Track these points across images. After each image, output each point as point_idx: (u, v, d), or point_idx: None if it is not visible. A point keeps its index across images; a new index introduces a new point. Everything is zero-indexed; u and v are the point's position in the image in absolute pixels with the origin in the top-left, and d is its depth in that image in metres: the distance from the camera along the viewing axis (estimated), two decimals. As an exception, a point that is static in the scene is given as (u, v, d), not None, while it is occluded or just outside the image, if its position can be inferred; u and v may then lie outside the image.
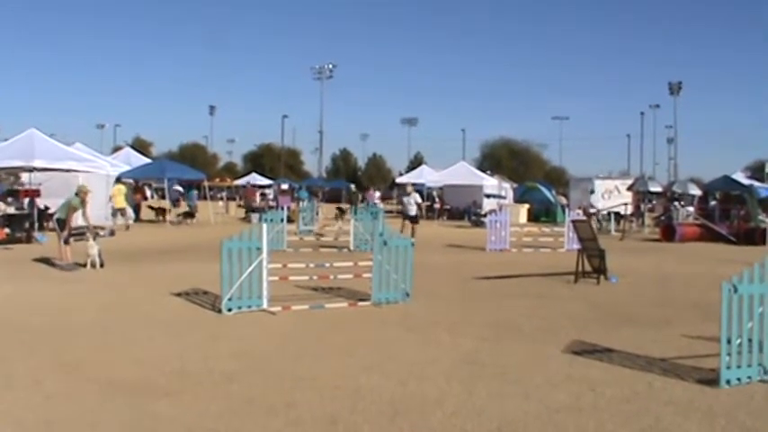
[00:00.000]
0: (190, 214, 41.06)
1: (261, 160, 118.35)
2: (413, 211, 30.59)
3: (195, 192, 48.94)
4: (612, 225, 40.88)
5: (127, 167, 41.08)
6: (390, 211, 54.77)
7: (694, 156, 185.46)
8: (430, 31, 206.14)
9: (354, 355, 10.25)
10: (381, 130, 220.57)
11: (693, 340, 11.33)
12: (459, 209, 50.82)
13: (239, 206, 56.61)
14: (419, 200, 32.34)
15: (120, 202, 35.16)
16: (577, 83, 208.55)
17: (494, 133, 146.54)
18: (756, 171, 67.65)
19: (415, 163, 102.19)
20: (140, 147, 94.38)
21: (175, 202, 44.97)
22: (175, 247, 26.20)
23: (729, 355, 8.86)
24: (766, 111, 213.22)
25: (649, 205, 54.58)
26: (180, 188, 46.08)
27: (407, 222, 30.03)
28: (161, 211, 41.31)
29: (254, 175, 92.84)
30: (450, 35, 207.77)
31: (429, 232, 35.13)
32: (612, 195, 52.11)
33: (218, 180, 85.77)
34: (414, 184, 38.48)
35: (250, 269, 13.16)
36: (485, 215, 39.14)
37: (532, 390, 8.65)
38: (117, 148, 78.77)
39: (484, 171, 64.15)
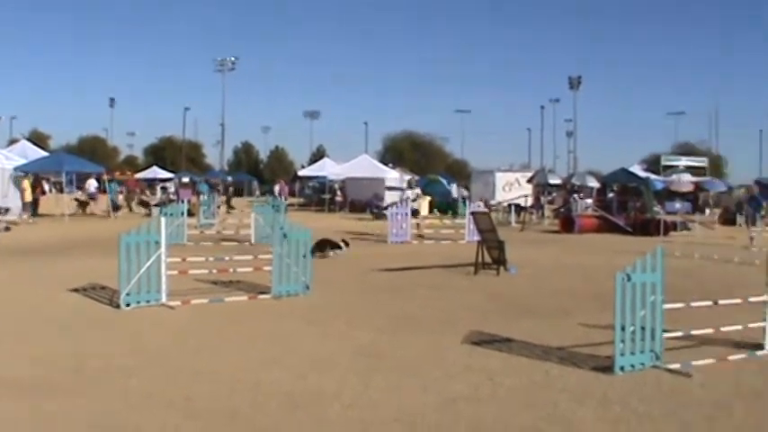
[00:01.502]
0: (85, 203, 40.60)
1: (162, 153, 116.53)
2: (415, 204, 31.47)
3: (116, 185, 48.03)
4: (513, 217, 41.34)
5: (23, 161, 40.11)
6: (292, 205, 54.72)
7: (593, 149, 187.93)
8: (333, 23, 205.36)
9: (254, 349, 10.21)
10: (284, 123, 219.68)
11: (590, 329, 11.53)
12: (361, 201, 50.83)
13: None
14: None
15: (29, 195, 34.51)
16: (480, 77, 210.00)
17: (396, 126, 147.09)
18: (652, 164, 68.99)
19: (318, 156, 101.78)
20: (38, 140, 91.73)
21: (92, 196, 44.02)
22: (74, 242, 25.66)
23: (623, 342, 9.05)
24: (663, 105, 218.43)
25: (549, 197, 55.32)
26: (95, 182, 45.11)
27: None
28: (83, 205, 40.68)
29: (155, 168, 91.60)
30: (352, 28, 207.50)
31: (330, 225, 35.07)
32: (513, 188, 52.71)
33: (118, 174, 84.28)
34: (315, 177, 38.56)
35: (148, 263, 12.99)
36: (386, 207, 39.24)
37: (431, 381, 8.71)
38: (12, 141, 76.79)
39: (386, 164, 64.21)
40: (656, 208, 41.24)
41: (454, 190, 57.12)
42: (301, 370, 9.09)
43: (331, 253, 21.37)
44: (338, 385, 8.46)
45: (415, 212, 31.87)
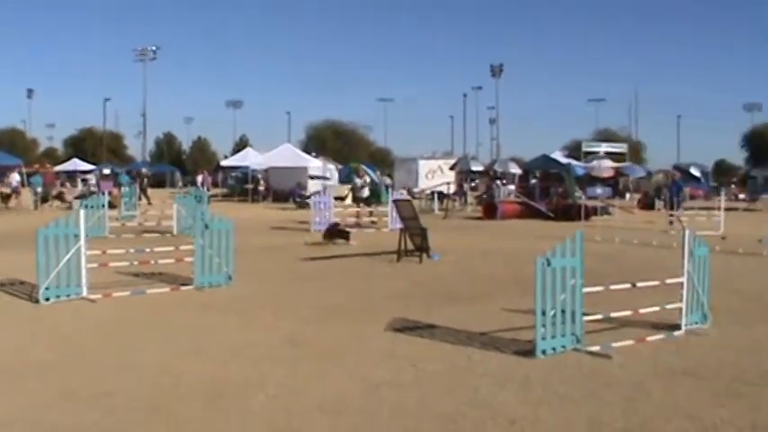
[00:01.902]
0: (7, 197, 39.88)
1: (83, 145, 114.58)
2: (365, 193, 32.44)
3: (39, 178, 47.06)
4: (436, 204, 41.51)
5: (-64, 154, 39.26)
6: (215, 195, 54.30)
7: (516, 136, 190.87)
8: (254, 12, 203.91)
9: (176, 341, 10.11)
10: (206, 113, 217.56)
11: (512, 313, 11.64)
12: (284, 191, 50.61)
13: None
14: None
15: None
16: (402, 65, 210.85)
17: (319, 115, 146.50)
18: (574, 150, 70.06)
19: (241, 146, 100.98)
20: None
21: (15, 190, 43.10)
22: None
23: (544, 326, 9.16)
24: (584, 92, 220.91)
25: (472, 184, 55.72)
26: (17, 176, 44.16)
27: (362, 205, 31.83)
28: (6, 198, 39.95)
29: (75, 160, 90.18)
30: (274, 17, 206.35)
31: (253, 215, 34.98)
32: (436, 175, 53.05)
33: (37, 166, 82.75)
34: (238, 167, 38.32)
35: (68, 256, 12.78)
36: (309, 196, 39.15)
37: (354, 368, 8.73)
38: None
39: (309, 153, 64.07)
40: (578, 193, 41.89)
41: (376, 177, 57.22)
42: (224, 361, 9.04)
43: (340, 240, 22.55)
44: (262, 375, 8.43)
45: (366, 200, 32.11)
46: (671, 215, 30.75)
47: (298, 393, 7.75)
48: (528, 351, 9.25)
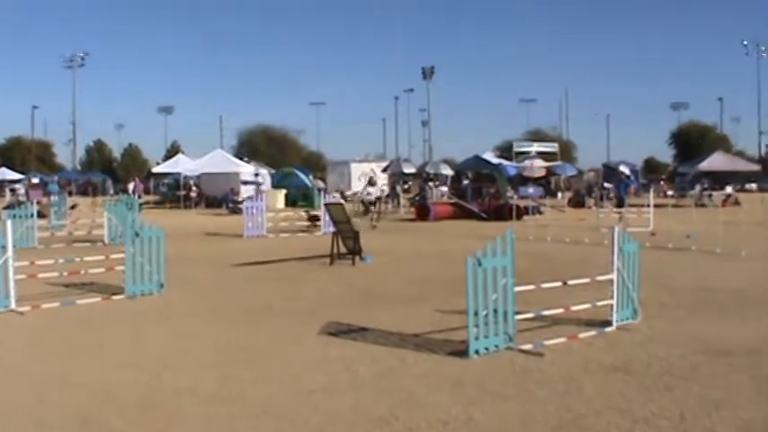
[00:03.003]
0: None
1: (10, 154, 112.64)
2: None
3: None
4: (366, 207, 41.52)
5: None
6: (147, 203, 53.78)
7: (448, 137, 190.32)
8: (183, 16, 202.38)
9: (107, 351, 9.98)
10: (137, 120, 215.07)
11: (445, 314, 11.67)
12: (216, 197, 50.25)
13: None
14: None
15: None
16: (333, 68, 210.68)
17: (251, 120, 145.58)
18: (505, 150, 70.57)
19: (172, 152, 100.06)
20: None
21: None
22: None
23: (477, 326, 9.20)
24: (515, 93, 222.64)
25: (405, 186, 55.91)
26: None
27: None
28: None
29: (3, 169, 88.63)
30: (203, 22, 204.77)
31: (185, 221, 34.74)
32: (369, 178, 52.99)
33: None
34: (170, 174, 38.07)
35: (-6, 268, 12.55)
36: (241, 202, 38.96)
37: (288, 373, 8.70)
38: None
39: (241, 158, 63.77)
40: (510, 193, 42.14)
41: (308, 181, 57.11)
42: (156, 369, 8.92)
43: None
44: (195, 381, 8.37)
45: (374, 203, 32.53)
46: (619, 212, 31.22)
47: (231, 400, 7.69)
48: (461, 351, 9.28)
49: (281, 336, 10.70)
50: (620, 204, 32.68)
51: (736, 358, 9.13)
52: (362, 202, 40.44)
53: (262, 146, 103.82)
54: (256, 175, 53.12)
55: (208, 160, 55.51)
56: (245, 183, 51.58)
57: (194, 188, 54.49)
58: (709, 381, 8.17)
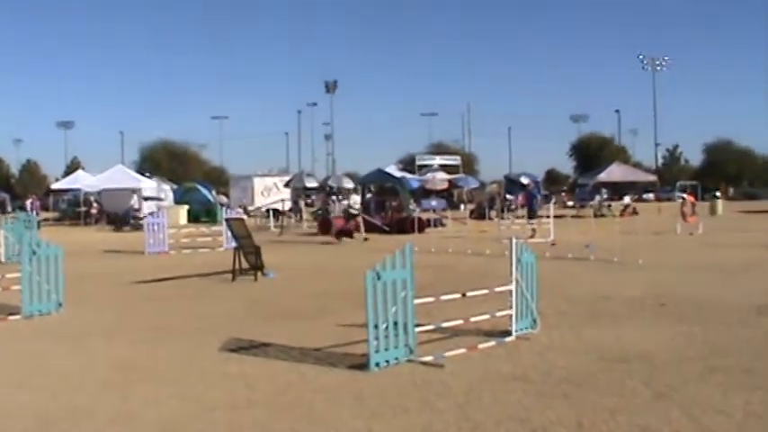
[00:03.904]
0: None
1: None
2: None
3: None
4: (272, 221, 41.39)
5: None
6: (47, 220, 52.79)
7: (352, 151, 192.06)
8: (83, 27, 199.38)
9: (3, 372, 9.75)
10: (35, 135, 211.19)
11: (346, 328, 11.67)
12: (117, 213, 49.49)
13: None
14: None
15: None
16: (236, 83, 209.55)
17: (154, 135, 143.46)
18: (408, 164, 70.81)
19: (72, 168, 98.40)
20: None
21: None
22: None
23: (377, 339, 9.20)
24: (418, 107, 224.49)
25: (309, 200, 55.87)
26: None
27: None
28: None
29: None
30: (102, 32, 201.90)
31: (85, 238, 34.19)
32: (272, 192, 52.92)
33: None
34: (70, 190, 37.32)
35: None
36: (143, 218, 38.51)
37: (188, 390, 8.60)
38: None
39: (143, 174, 62.95)
40: (413, 206, 42.34)
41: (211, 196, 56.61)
42: (54, 390, 8.75)
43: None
44: (94, 401, 8.22)
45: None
46: (531, 224, 31.68)
47: (131, 419, 7.58)
48: (362, 365, 9.29)
49: (181, 353, 10.56)
50: (531, 216, 33.11)
51: (631, 365, 9.33)
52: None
53: (164, 161, 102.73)
54: (161, 199, 52.52)
55: (109, 176, 54.59)
56: (147, 199, 50.97)
57: (95, 204, 53.68)
58: (606, 387, 8.32)
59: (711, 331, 11.24)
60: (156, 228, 28.18)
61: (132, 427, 7.34)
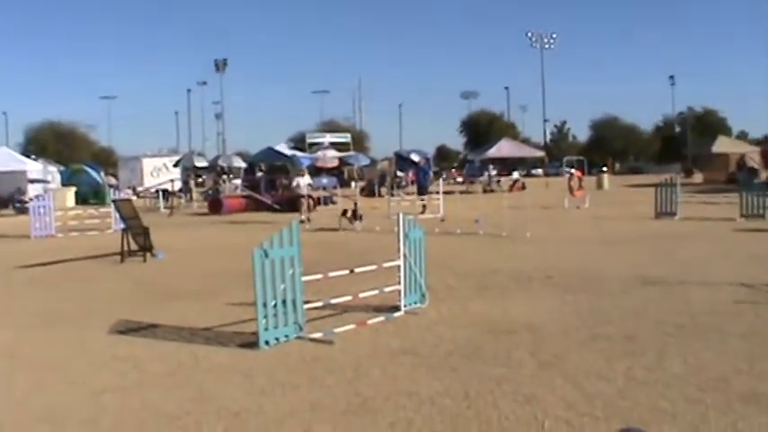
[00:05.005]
0: None
1: None
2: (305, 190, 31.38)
3: None
4: (161, 202, 40.94)
5: None
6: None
7: (243, 130, 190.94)
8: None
9: None
10: None
11: (236, 307, 11.65)
12: (2, 197, 48.29)
13: None
14: (309, 181, 33.53)
15: None
16: (124, 61, 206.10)
17: (39, 116, 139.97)
18: (299, 142, 70.81)
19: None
20: None
21: None
22: None
23: (266, 317, 9.22)
24: (309, 85, 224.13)
25: (199, 180, 55.39)
26: None
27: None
28: None
29: None
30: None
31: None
32: (161, 173, 52.35)
33: None
34: None
35: None
36: (29, 201, 37.69)
37: (76, 375, 8.50)
38: None
39: (28, 156, 61.49)
40: (309, 181, 42.33)
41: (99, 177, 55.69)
42: (-66, 379, 8.55)
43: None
44: (-24, 390, 8.04)
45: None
46: (421, 200, 31.94)
47: (17, 406, 7.46)
48: (252, 343, 9.30)
49: (68, 337, 10.41)
50: (421, 192, 33.43)
51: (518, 336, 9.53)
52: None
53: (50, 143, 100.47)
54: (47, 181, 51.41)
55: (-8, 159, 53.24)
56: (33, 181, 49.82)
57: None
58: (493, 359, 8.48)
59: (596, 301, 11.55)
60: (42, 211, 27.56)
61: (18, 414, 7.22)
